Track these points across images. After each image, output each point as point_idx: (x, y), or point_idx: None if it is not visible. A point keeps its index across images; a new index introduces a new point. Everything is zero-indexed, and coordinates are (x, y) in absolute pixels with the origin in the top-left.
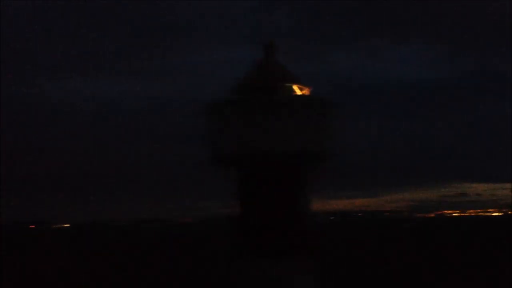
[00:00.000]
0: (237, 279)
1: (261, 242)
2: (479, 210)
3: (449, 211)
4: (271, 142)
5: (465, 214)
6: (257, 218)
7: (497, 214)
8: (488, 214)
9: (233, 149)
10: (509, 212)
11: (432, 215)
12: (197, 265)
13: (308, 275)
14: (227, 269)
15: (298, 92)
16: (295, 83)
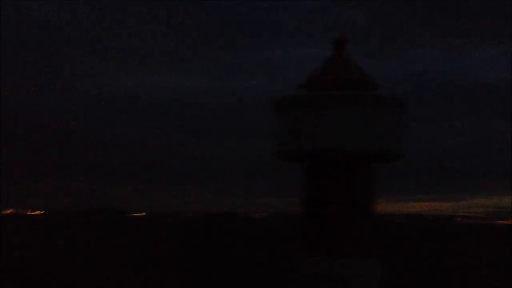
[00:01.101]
0: (302, 277)
1: (327, 241)
2: None
3: None
4: (341, 140)
5: None
6: (323, 217)
7: None
8: None
9: (302, 145)
10: None
11: (511, 221)
12: (265, 260)
13: (373, 276)
14: (295, 266)
15: (368, 89)
16: (365, 80)
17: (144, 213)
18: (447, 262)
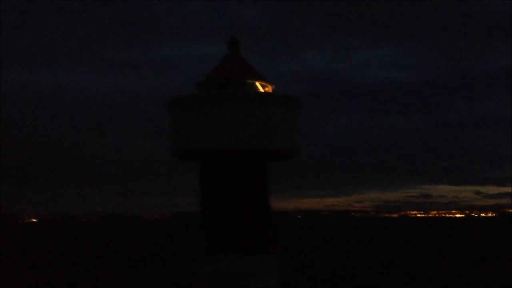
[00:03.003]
0: (204, 275)
1: (225, 239)
2: (442, 212)
3: (413, 212)
4: (236, 138)
5: (429, 215)
6: (220, 215)
7: (460, 215)
8: (451, 215)
9: (197, 144)
10: (472, 214)
11: (396, 215)
12: (166, 261)
13: (271, 272)
14: (195, 265)
15: (260, 89)
16: (258, 79)
17: (35, 219)
18: (342, 255)
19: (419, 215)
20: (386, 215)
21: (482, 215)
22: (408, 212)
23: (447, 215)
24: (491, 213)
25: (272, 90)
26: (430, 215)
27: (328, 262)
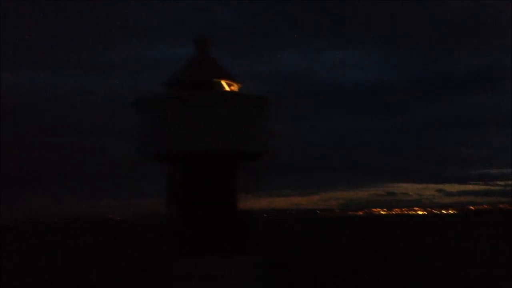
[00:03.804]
0: (174, 278)
1: (195, 240)
2: (405, 209)
3: (377, 209)
4: (204, 139)
5: (392, 212)
6: (191, 217)
7: (422, 213)
8: (413, 212)
9: (164, 146)
10: (434, 211)
11: (361, 213)
12: (136, 264)
13: (243, 272)
14: (168, 268)
15: (227, 88)
16: (225, 78)
17: None
18: (313, 255)
19: (382, 212)
20: (352, 213)
21: (444, 212)
22: (373, 209)
23: (410, 212)
24: (452, 210)
25: (239, 88)
26: (394, 212)
27: (299, 261)
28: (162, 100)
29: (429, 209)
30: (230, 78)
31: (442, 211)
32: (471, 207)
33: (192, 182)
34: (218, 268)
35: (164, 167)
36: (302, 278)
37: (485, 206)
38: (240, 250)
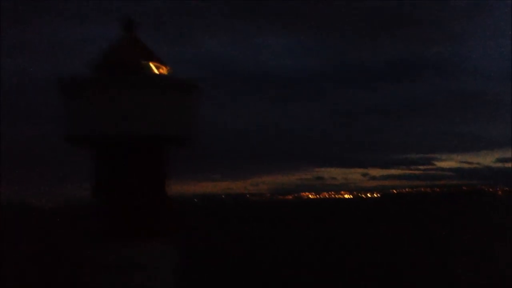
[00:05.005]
0: (100, 266)
1: (122, 227)
2: (332, 193)
3: (306, 194)
4: (131, 123)
5: (320, 196)
6: (116, 202)
7: (348, 196)
8: (340, 196)
9: (91, 129)
10: (359, 195)
11: (290, 197)
12: (57, 251)
13: (170, 256)
14: (90, 255)
15: (155, 71)
16: (152, 61)
17: None
18: (246, 239)
19: (311, 196)
20: (281, 197)
21: (368, 195)
22: (302, 193)
23: (337, 196)
24: (376, 194)
25: (168, 71)
26: (321, 196)
27: (226, 245)
28: (87, 83)
29: (355, 193)
30: (159, 60)
31: (368, 194)
32: (394, 191)
33: (118, 167)
34: (144, 255)
35: (91, 152)
36: (224, 261)
37: (407, 189)
38: (167, 235)
